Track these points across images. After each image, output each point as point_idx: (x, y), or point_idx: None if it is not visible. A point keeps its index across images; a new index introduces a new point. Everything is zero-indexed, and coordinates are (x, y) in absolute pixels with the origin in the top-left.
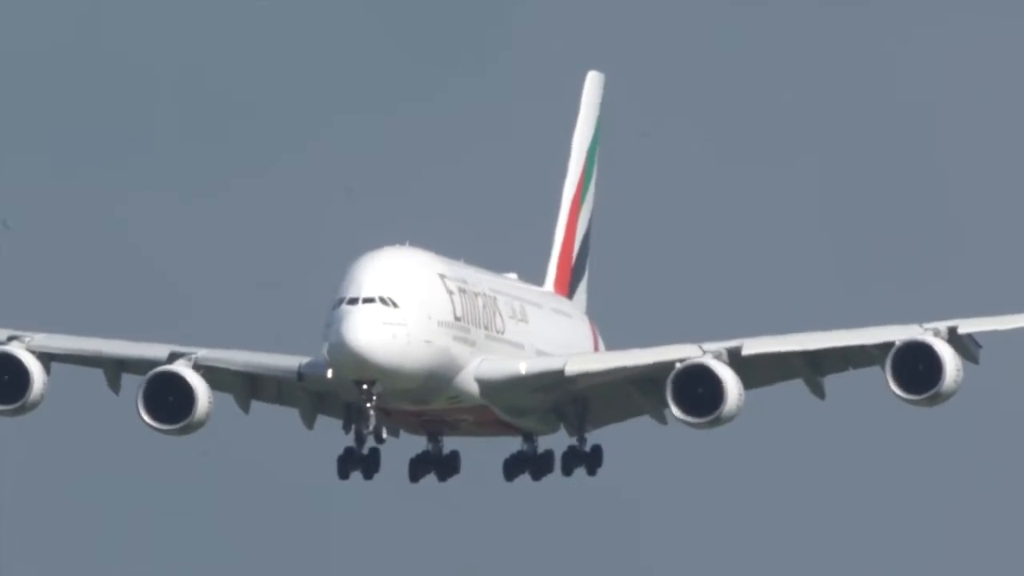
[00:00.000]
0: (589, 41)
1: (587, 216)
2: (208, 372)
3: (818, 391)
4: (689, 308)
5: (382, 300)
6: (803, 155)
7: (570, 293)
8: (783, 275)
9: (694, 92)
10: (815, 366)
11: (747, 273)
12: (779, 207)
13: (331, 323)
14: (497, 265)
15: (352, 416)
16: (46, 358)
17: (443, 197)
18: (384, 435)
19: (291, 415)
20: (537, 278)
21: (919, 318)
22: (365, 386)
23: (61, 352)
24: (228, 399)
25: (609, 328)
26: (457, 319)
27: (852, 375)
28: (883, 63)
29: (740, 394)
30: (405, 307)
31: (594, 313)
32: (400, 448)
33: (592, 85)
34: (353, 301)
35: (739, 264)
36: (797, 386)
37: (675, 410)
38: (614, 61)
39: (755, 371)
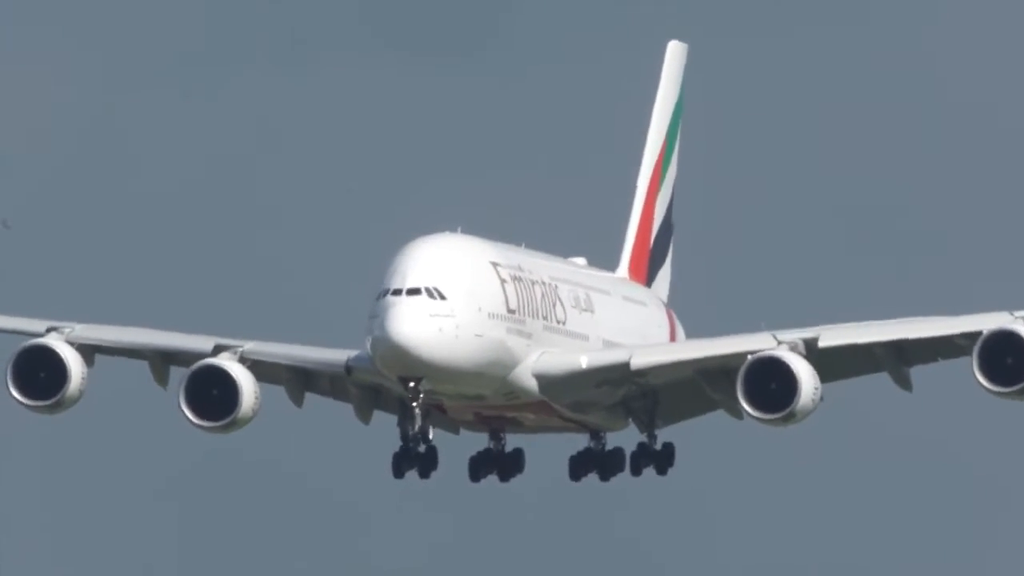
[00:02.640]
0: (669, 9)
1: (667, 196)
2: (255, 366)
3: (904, 383)
4: (778, 295)
5: (428, 291)
6: (891, 138)
7: (648, 279)
8: (875, 261)
9: (784, 68)
10: (901, 356)
11: (841, 259)
12: (869, 191)
13: (375, 315)
14: (567, 249)
15: (407, 412)
16: (88, 350)
17: (512, 176)
18: (431, 435)
19: (346, 409)
20: (610, 263)
21: (1011, 306)
22: (411, 383)
23: (102, 344)
24: (281, 392)
25: (692, 316)
26: (511, 310)
27: (941, 366)
28: (980, 41)
29: (816, 387)
30: (453, 298)
31: (676, 300)
32: (461, 446)
33: (674, 56)
34: (397, 292)
35: (832, 249)
36: (882, 377)
37: (746, 406)
38: (698, 31)
39: (837, 362)
